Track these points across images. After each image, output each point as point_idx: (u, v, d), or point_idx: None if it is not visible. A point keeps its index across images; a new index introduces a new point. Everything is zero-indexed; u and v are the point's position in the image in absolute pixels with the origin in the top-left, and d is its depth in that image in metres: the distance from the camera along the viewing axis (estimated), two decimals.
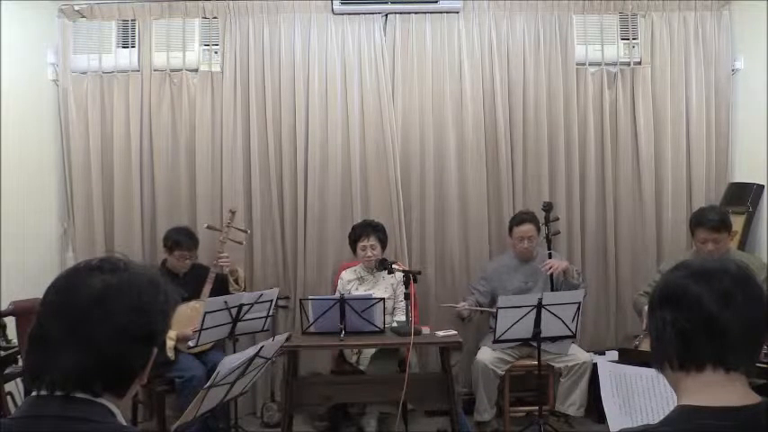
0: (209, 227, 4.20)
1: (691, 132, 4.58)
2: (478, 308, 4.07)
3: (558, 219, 4.09)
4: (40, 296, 1.14)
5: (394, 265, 3.84)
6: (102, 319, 1.09)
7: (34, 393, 1.10)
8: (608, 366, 1.84)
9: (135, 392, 1.22)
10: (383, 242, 4.15)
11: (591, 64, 4.60)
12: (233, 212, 4.15)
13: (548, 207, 3.94)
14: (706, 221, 3.55)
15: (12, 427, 1.08)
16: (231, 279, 4.10)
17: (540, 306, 3.43)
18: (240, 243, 4.27)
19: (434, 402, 3.87)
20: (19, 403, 2.84)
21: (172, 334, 3.74)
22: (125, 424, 1.13)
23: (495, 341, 3.54)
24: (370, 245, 4.08)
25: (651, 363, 1.25)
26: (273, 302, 3.71)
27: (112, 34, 4.50)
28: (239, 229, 4.21)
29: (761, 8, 4.21)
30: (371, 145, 4.56)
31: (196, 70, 4.56)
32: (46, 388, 1.09)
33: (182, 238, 4.02)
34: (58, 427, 1.06)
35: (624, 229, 4.61)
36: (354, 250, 4.17)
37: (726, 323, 1.13)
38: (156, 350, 1.17)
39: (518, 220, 4.16)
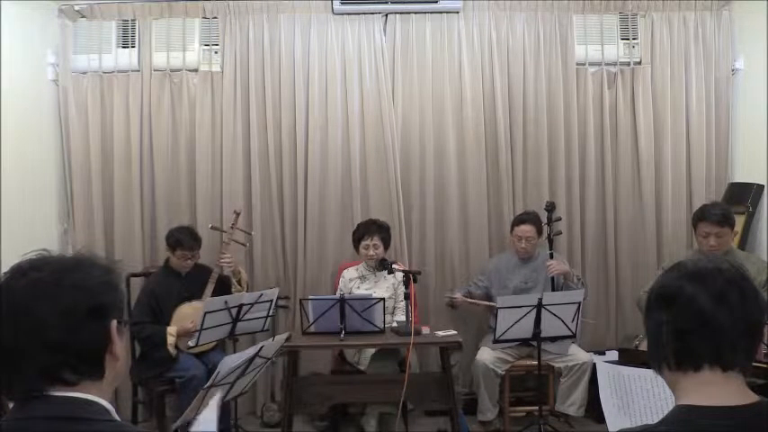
0: (213, 227, 4.20)
1: (691, 132, 4.58)
2: (474, 301, 4.11)
3: (560, 219, 4.08)
4: None
5: (394, 265, 3.84)
6: (45, 310, 1.08)
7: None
8: (607, 367, 1.84)
9: (122, 381, 1.21)
10: (386, 242, 4.16)
11: (591, 64, 4.59)
12: (238, 214, 4.14)
13: (550, 207, 3.94)
14: (709, 215, 3.58)
15: (11, 428, 1.08)
16: (234, 280, 4.08)
17: (540, 306, 3.43)
18: (244, 245, 4.27)
19: (434, 402, 3.86)
20: None
21: (172, 330, 3.75)
22: (119, 420, 1.14)
23: (495, 341, 3.55)
24: (372, 244, 4.08)
25: (648, 363, 1.25)
26: (273, 302, 3.71)
27: (112, 34, 4.50)
28: (243, 231, 4.21)
29: (761, 8, 4.20)
30: (371, 145, 4.55)
31: (196, 70, 4.56)
32: (20, 393, 1.09)
33: (184, 238, 3.96)
34: (59, 427, 1.06)
35: (624, 229, 4.60)
36: (357, 248, 4.18)
37: (721, 323, 1.13)
38: (114, 323, 1.14)
39: (519, 219, 4.18)
